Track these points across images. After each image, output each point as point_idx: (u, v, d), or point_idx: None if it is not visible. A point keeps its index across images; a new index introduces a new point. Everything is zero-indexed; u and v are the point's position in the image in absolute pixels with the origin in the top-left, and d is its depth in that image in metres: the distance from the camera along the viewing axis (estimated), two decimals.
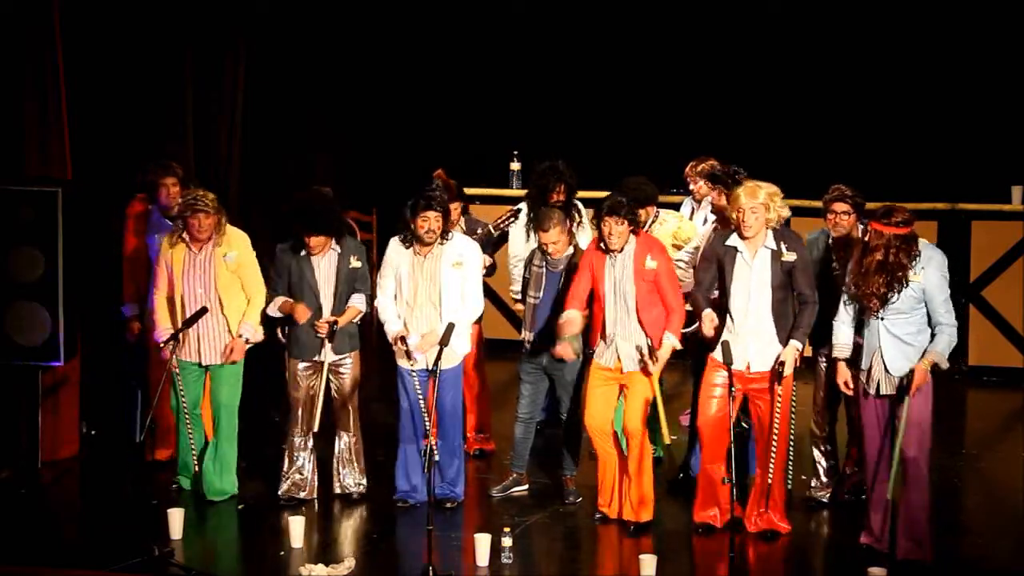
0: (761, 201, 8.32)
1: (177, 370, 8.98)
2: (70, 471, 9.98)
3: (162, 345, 8.95)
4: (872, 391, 8.13)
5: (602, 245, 8.71)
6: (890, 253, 7.93)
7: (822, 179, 9.14)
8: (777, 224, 8.41)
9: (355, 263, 9.05)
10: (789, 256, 8.38)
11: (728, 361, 7.99)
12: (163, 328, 9.11)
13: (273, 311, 9.12)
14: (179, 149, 11.77)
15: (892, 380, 8.07)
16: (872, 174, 12.65)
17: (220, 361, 9.12)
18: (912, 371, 7.97)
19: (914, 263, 7.96)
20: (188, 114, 12.18)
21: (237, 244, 9.12)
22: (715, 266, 8.52)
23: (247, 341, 9.10)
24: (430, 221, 8.86)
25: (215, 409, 9.21)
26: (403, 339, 8.89)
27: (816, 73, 13.47)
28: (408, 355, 8.90)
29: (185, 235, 9.04)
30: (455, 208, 9.76)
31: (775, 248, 8.39)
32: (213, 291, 9.06)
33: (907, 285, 7.96)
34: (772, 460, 8.43)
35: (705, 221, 9.84)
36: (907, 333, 8.04)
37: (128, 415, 10.10)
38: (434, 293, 8.94)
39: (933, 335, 8.05)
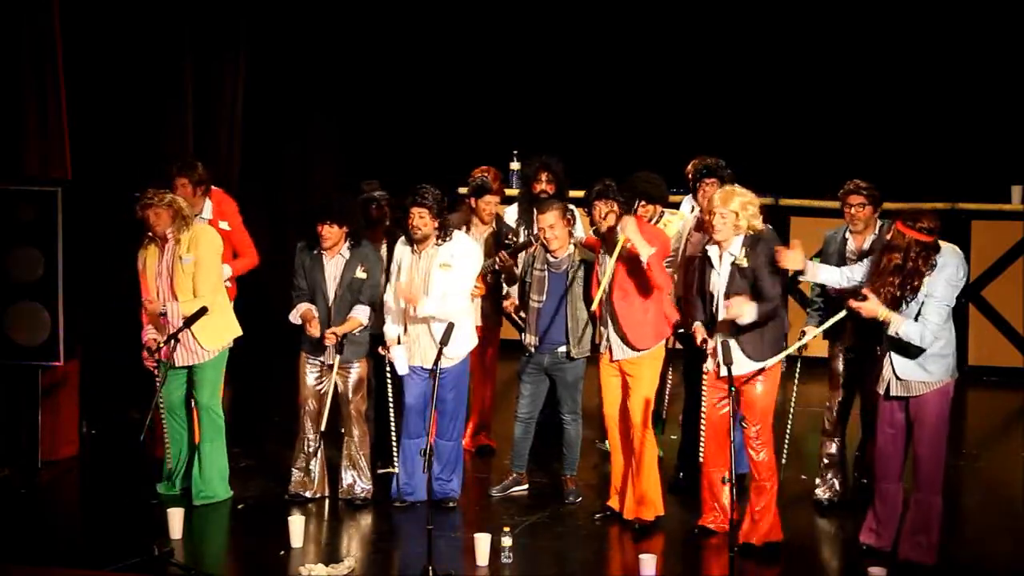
0: (733, 208, 8.22)
1: (174, 364, 9.01)
2: (70, 471, 9.99)
3: (161, 346, 8.96)
4: (881, 391, 8.13)
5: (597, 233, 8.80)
6: (909, 258, 7.86)
7: (823, 179, 9.15)
8: (748, 232, 8.29)
9: (360, 273, 9.03)
10: (743, 261, 8.24)
11: (728, 361, 7.98)
12: (146, 331, 9.10)
13: (295, 318, 9.08)
14: (179, 149, 11.78)
15: (905, 384, 8.05)
16: (872, 174, 12.62)
17: (190, 361, 9.09)
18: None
19: (929, 271, 7.92)
20: (188, 114, 12.18)
21: (198, 247, 9.02)
22: (696, 267, 8.52)
23: (162, 315, 8.95)
24: (415, 217, 8.91)
25: (197, 410, 9.22)
26: (385, 347, 8.99)
27: (817, 73, 13.47)
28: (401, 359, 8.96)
29: (150, 233, 9.02)
30: (487, 202, 9.86)
31: (736, 254, 8.29)
32: (169, 290, 9.00)
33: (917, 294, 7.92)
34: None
35: None
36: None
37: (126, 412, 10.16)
38: (423, 291, 8.96)
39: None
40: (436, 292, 8.93)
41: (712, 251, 8.37)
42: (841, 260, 8.83)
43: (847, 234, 8.92)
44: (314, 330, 8.98)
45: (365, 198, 9.71)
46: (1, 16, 9.86)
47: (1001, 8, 12.96)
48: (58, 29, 9.97)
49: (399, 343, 9.00)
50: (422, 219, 8.91)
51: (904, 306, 7.93)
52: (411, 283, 8.94)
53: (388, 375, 9.23)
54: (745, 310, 8.16)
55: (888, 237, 7.98)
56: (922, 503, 8.13)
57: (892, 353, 8.03)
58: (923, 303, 7.93)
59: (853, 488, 9.13)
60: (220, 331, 9.12)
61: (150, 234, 9.02)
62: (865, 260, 8.33)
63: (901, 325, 7.91)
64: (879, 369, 8.14)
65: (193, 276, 9.00)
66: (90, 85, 10.97)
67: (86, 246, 9.99)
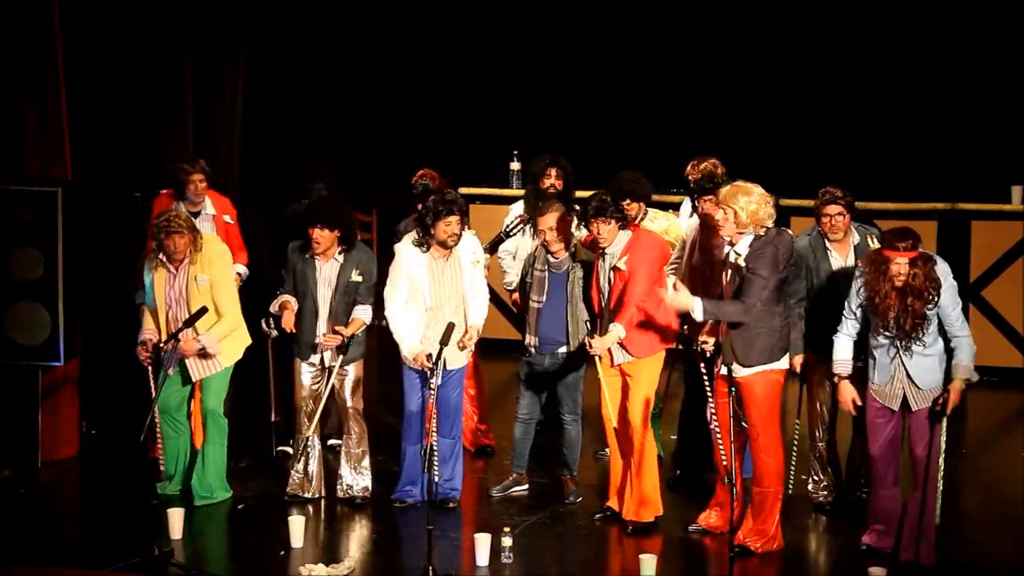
0: (733, 205, 8.14)
1: (171, 373, 9.01)
2: (70, 471, 9.99)
3: (162, 346, 8.95)
4: (895, 407, 8.12)
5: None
6: (913, 275, 7.86)
7: (822, 179, 9.12)
8: (751, 231, 8.21)
9: (355, 277, 9.00)
10: (741, 260, 8.17)
11: (728, 361, 7.98)
12: (146, 330, 9.09)
13: (274, 307, 9.13)
14: (179, 149, 11.78)
15: (924, 394, 8.07)
16: (872, 174, 12.69)
17: (205, 374, 9.10)
18: (947, 391, 7.97)
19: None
20: (188, 114, 12.18)
21: (212, 266, 8.99)
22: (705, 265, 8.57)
23: (202, 349, 8.99)
24: (453, 225, 8.88)
25: (203, 415, 9.23)
26: (428, 357, 8.68)
27: (816, 72, 13.47)
28: (431, 370, 8.67)
29: (162, 256, 8.98)
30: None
31: (741, 253, 8.23)
32: (187, 311, 8.99)
33: (936, 300, 7.93)
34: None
35: None
36: (926, 345, 8.02)
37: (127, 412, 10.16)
38: (457, 293, 8.96)
39: (950, 349, 8.05)
40: (472, 291, 8.97)
41: (727, 248, 8.35)
42: (829, 276, 8.77)
43: (827, 244, 8.82)
44: (287, 322, 8.98)
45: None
46: (1, 16, 9.86)
47: (1000, 8, 12.96)
48: (58, 29, 9.97)
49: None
50: (459, 226, 8.92)
51: (928, 316, 7.95)
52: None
53: None
54: (689, 303, 8.11)
55: (885, 270, 7.90)
56: (920, 504, 8.12)
57: (907, 371, 8.03)
58: (936, 318, 7.99)
59: (848, 488, 9.12)
60: (237, 345, 9.16)
61: (162, 257, 8.98)
62: (855, 309, 8.26)
63: (969, 371, 7.99)
64: (885, 386, 8.13)
65: (214, 297, 8.97)
66: (90, 85, 10.97)
67: (86, 246, 9.99)
